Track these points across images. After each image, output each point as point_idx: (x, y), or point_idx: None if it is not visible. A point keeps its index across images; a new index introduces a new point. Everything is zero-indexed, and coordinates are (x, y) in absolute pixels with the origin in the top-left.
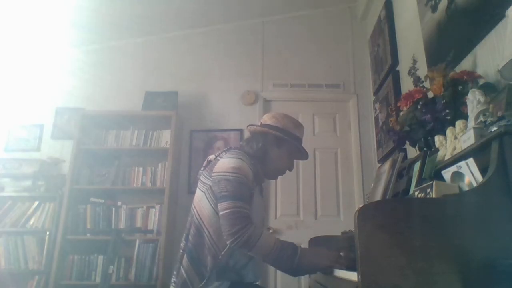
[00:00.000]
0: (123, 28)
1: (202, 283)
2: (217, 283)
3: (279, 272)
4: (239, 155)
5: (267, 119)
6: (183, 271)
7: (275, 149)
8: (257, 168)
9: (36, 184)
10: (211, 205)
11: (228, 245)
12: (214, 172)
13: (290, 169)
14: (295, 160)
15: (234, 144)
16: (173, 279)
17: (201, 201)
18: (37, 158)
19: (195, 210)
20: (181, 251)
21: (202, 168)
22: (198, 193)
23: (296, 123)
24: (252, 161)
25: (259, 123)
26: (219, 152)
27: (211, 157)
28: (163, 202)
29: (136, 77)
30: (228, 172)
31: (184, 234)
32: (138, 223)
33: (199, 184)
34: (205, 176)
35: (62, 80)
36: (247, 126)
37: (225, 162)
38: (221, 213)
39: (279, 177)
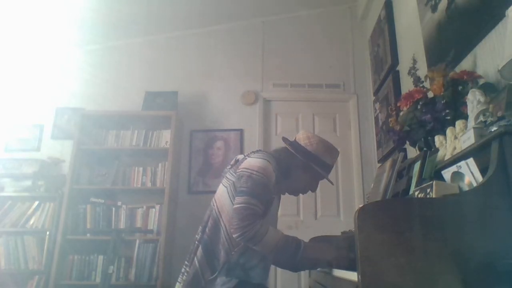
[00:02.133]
0: (123, 28)
1: (213, 276)
2: (226, 279)
3: (279, 272)
4: (267, 157)
5: (301, 137)
6: (196, 262)
7: (301, 172)
8: (280, 178)
9: (36, 184)
10: (231, 200)
11: (241, 243)
12: (239, 169)
13: (313, 191)
14: None
15: (233, 144)
16: (184, 269)
17: (222, 195)
18: (37, 158)
19: (215, 204)
20: (196, 242)
21: (229, 166)
22: (221, 188)
23: (330, 149)
24: (277, 167)
25: (294, 138)
26: (249, 152)
27: (240, 156)
28: (163, 202)
29: (136, 77)
30: (252, 170)
31: (201, 227)
32: (138, 223)
33: (223, 180)
34: (231, 173)
35: (62, 80)
36: (282, 137)
37: (252, 161)
38: (234, 206)
39: None
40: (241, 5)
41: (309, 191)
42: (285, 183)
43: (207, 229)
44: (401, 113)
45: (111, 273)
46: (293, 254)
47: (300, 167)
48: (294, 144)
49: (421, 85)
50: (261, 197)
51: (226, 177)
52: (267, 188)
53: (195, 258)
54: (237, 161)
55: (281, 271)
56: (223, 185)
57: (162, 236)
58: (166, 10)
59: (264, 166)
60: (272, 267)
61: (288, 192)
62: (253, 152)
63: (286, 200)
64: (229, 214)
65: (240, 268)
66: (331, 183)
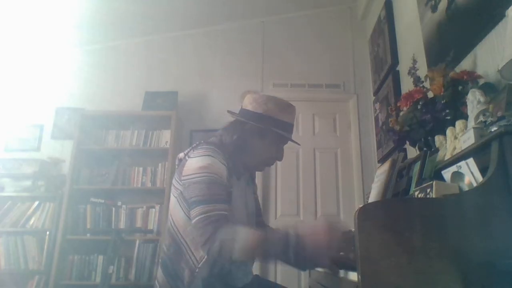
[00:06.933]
0: (123, 28)
1: None
2: None
3: (279, 272)
4: (207, 151)
5: (247, 102)
6: (157, 286)
7: (257, 140)
8: (234, 161)
9: (36, 184)
10: (184, 212)
11: (205, 256)
12: (183, 176)
13: (279, 159)
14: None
15: None
16: None
17: (174, 208)
18: (37, 158)
19: (170, 218)
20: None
21: (176, 167)
22: (172, 199)
23: (283, 105)
24: (226, 155)
25: (240, 107)
26: (188, 149)
27: (181, 155)
28: (163, 202)
29: (136, 77)
30: (195, 173)
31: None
32: (138, 223)
33: (172, 189)
34: (176, 180)
35: (62, 80)
36: (227, 111)
37: (192, 163)
38: (192, 221)
39: (279, 177)
40: (241, 5)
41: (276, 161)
42: (243, 161)
43: (165, 247)
44: (401, 113)
45: (111, 273)
46: (283, 254)
47: (255, 134)
48: (241, 112)
49: (421, 85)
50: (215, 198)
51: (173, 184)
52: (219, 185)
53: (156, 282)
54: (180, 161)
55: (281, 270)
56: (173, 195)
57: (162, 236)
58: (166, 10)
59: (206, 163)
60: (272, 267)
61: (252, 169)
62: (193, 148)
63: (286, 200)
64: (186, 227)
65: (218, 279)
66: (297, 143)
